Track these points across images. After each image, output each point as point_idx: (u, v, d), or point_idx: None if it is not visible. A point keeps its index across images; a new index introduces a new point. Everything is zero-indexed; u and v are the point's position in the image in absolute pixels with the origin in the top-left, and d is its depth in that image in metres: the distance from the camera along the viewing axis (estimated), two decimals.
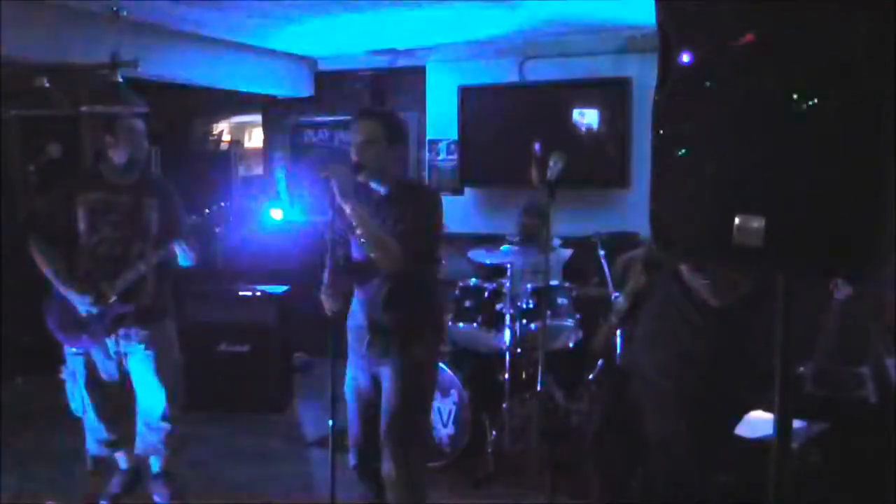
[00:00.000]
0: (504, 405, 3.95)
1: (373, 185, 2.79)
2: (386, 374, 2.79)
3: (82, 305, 3.22)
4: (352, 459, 2.89)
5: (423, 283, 2.85)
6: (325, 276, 2.74)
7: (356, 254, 2.84)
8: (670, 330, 2.61)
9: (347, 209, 2.61)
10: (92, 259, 3.27)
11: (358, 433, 2.88)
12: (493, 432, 3.92)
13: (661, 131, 1.33)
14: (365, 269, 2.79)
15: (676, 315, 2.59)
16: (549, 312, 3.91)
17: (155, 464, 3.61)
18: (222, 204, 3.43)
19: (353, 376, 2.90)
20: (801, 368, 3.36)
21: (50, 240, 3.28)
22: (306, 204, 6.56)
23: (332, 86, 6.40)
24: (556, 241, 4.61)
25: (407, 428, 2.76)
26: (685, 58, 1.28)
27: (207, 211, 3.40)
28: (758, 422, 2.95)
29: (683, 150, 1.32)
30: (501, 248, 4.19)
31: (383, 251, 2.65)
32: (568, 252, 4.55)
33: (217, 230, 3.41)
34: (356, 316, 2.87)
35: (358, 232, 2.66)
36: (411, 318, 2.80)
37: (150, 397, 3.42)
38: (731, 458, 2.61)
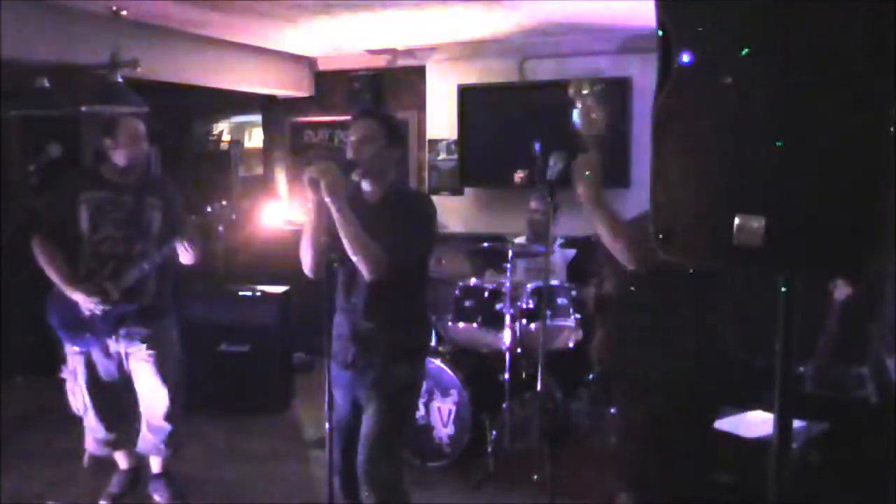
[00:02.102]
0: (504, 405, 3.95)
1: (366, 186, 2.69)
2: (366, 396, 2.68)
3: (88, 307, 3.23)
4: (336, 482, 2.77)
5: (411, 294, 2.72)
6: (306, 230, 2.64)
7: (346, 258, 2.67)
8: (620, 325, 2.64)
9: (333, 209, 2.48)
10: (94, 258, 3.28)
11: (339, 456, 2.75)
12: (493, 432, 3.92)
13: (661, 131, 1.33)
14: (349, 275, 2.68)
15: (621, 306, 2.61)
16: (549, 312, 3.91)
17: (155, 464, 3.61)
18: (223, 203, 3.43)
19: (334, 396, 2.72)
20: (801, 368, 3.36)
21: (53, 240, 3.28)
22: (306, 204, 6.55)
23: (332, 86, 6.40)
24: (559, 241, 4.62)
25: (384, 457, 2.64)
26: (685, 58, 1.28)
27: (209, 209, 3.40)
28: (757, 421, 2.96)
29: (683, 150, 1.32)
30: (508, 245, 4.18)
31: (366, 257, 2.50)
32: (571, 252, 4.55)
33: (220, 229, 3.41)
34: (340, 325, 2.75)
35: (340, 234, 2.50)
36: (395, 327, 2.67)
37: (152, 397, 3.42)
38: (702, 445, 2.60)
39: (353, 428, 2.73)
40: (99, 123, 3.49)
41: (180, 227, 3.36)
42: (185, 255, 3.30)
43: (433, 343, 4.12)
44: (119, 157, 3.31)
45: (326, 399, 2.70)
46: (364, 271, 2.54)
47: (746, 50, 1.20)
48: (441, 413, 3.94)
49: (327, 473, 2.71)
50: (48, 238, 3.29)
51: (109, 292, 3.22)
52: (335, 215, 2.49)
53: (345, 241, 2.52)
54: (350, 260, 2.58)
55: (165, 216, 3.38)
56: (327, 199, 2.48)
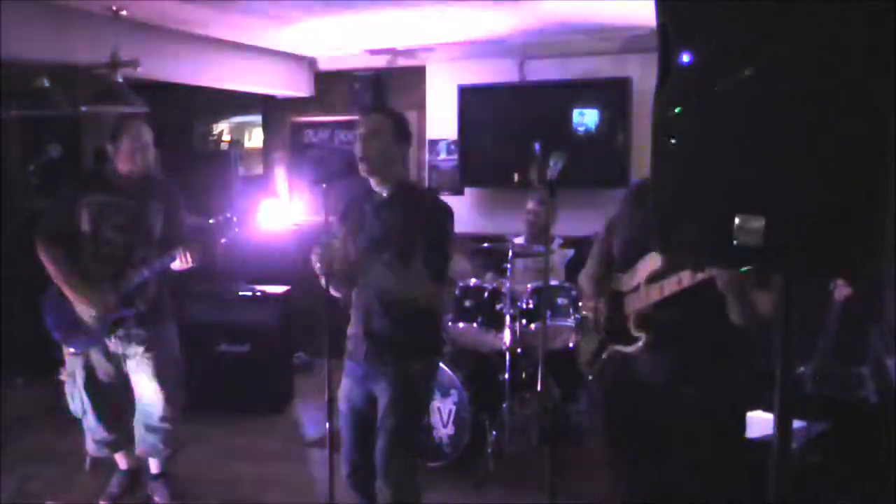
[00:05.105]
0: (504, 405, 3.95)
1: (373, 184, 2.71)
2: (382, 391, 2.71)
3: (87, 315, 3.23)
4: (344, 469, 2.82)
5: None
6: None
7: (353, 259, 2.74)
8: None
9: None
10: (94, 262, 3.27)
11: (350, 447, 2.80)
12: (493, 432, 3.92)
13: (661, 131, 1.33)
14: (362, 275, 2.72)
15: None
16: (549, 312, 3.91)
17: (154, 464, 3.62)
18: (229, 215, 3.40)
19: (348, 387, 2.81)
20: (801, 368, 3.36)
21: (56, 242, 3.27)
22: (306, 204, 6.56)
23: (332, 86, 6.40)
24: (558, 241, 4.62)
25: (401, 451, 2.68)
26: (685, 58, 1.28)
27: (212, 221, 3.37)
28: (758, 421, 2.95)
29: (683, 150, 1.32)
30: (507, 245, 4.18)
31: (419, 287, 2.62)
32: (570, 252, 4.55)
33: (223, 241, 3.39)
34: (354, 323, 2.80)
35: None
36: (408, 326, 2.71)
37: (150, 399, 3.42)
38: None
39: (366, 418, 2.76)
40: (104, 126, 3.48)
41: (182, 234, 3.35)
42: (182, 263, 3.27)
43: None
44: (123, 161, 3.30)
45: (327, 399, 2.71)
46: (420, 301, 2.67)
47: (747, 57, 1.20)
48: (441, 413, 3.94)
49: (327, 473, 2.71)
50: (51, 241, 3.28)
51: (109, 300, 3.22)
52: None
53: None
54: (363, 260, 2.66)
55: (168, 221, 3.37)
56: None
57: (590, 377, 2.81)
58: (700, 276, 2.12)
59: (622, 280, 2.47)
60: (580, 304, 2.74)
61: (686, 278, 2.17)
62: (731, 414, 2.44)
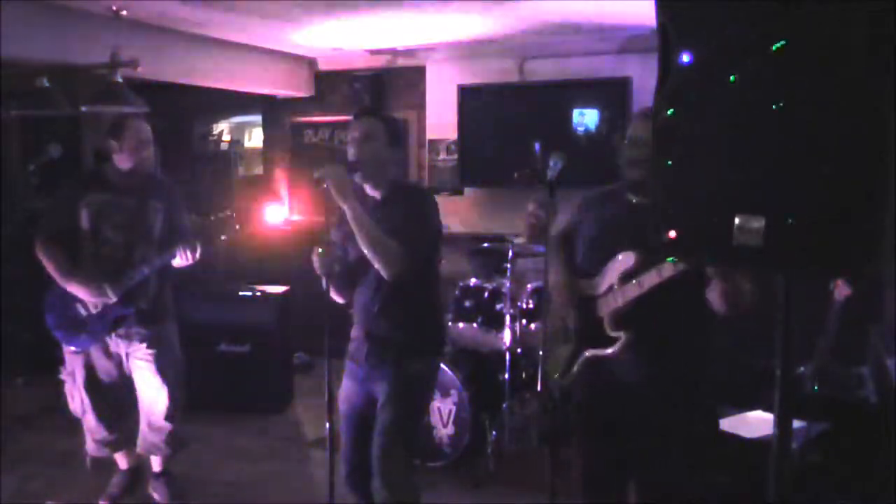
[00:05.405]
0: (504, 405, 3.95)
1: (368, 188, 2.70)
2: (381, 391, 2.70)
3: (92, 307, 3.23)
4: (343, 469, 2.82)
5: (421, 289, 2.72)
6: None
7: (353, 261, 2.74)
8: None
9: (346, 210, 2.52)
10: (94, 261, 3.27)
11: (350, 447, 2.80)
12: (493, 432, 3.92)
13: (661, 131, 1.33)
14: (362, 276, 2.72)
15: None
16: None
17: (155, 464, 3.62)
18: (228, 212, 3.39)
19: (349, 388, 2.81)
20: (801, 368, 3.36)
21: (55, 242, 3.27)
22: (306, 204, 6.56)
23: (332, 86, 6.41)
24: None
25: (398, 450, 2.67)
26: (685, 58, 1.28)
27: (213, 218, 3.37)
28: (758, 421, 2.96)
29: (683, 150, 1.32)
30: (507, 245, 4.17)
31: (384, 255, 2.52)
32: None
33: (223, 238, 3.39)
34: (355, 325, 2.80)
35: (357, 236, 2.54)
36: (408, 327, 2.70)
37: (152, 397, 3.42)
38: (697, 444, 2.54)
39: (365, 418, 2.75)
40: (105, 125, 3.48)
41: (182, 232, 3.35)
42: (184, 260, 3.27)
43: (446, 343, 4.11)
44: (124, 160, 3.30)
45: (327, 399, 2.70)
46: (383, 272, 2.56)
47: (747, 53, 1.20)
48: (441, 413, 3.94)
49: (327, 473, 2.71)
50: (51, 240, 3.28)
51: (108, 295, 3.22)
52: (349, 216, 2.53)
53: (360, 242, 2.54)
54: (362, 260, 2.62)
55: (168, 220, 3.37)
56: (338, 201, 2.53)
57: (563, 385, 2.78)
58: (680, 266, 2.13)
59: (592, 284, 2.47)
60: (548, 314, 2.70)
61: (667, 269, 2.18)
62: (716, 409, 2.44)
